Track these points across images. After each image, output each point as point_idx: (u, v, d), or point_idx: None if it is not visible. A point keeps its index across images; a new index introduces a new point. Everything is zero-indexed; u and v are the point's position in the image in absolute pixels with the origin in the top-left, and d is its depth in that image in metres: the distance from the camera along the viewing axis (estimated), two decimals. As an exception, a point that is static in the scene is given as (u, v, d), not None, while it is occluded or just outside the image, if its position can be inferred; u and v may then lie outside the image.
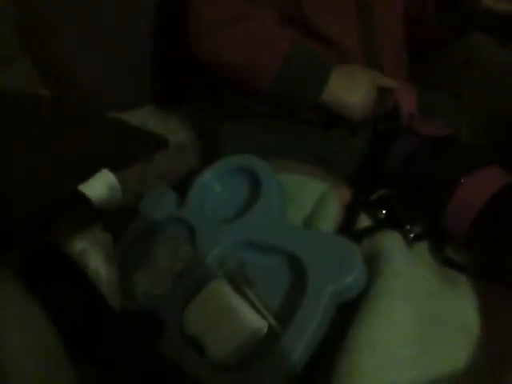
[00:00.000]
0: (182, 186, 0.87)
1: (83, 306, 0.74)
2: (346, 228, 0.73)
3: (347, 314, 0.65)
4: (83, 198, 0.82)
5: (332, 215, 0.74)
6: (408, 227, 0.74)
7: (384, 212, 0.75)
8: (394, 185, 0.77)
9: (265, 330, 0.66)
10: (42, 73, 1.07)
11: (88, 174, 0.85)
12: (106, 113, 0.97)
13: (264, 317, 0.67)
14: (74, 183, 0.83)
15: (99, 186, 0.84)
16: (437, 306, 0.64)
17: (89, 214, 0.84)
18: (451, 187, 0.70)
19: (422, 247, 0.74)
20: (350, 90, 0.82)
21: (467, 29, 0.88)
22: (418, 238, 0.73)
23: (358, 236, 0.71)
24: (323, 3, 0.83)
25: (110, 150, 0.85)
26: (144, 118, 1.11)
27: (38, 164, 0.86)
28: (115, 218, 0.86)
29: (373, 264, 0.67)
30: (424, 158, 0.76)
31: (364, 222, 0.74)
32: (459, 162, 0.73)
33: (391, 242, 0.69)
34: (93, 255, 0.82)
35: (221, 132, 0.96)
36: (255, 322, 0.67)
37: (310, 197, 0.76)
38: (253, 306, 0.69)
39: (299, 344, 0.61)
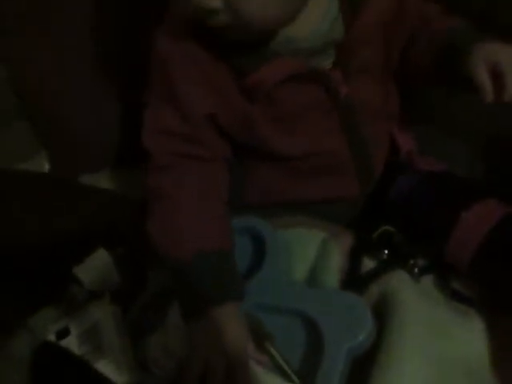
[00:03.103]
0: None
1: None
2: (352, 275, 0.74)
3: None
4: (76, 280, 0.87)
5: (335, 266, 0.74)
6: (412, 262, 0.75)
7: (386, 252, 0.76)
8: (395, 222, 0.78)
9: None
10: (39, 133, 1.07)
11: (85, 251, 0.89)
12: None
13: (290, 378, 0.69)
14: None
15: (94, 267, 0.88)
16: (449, 349, 0.66)
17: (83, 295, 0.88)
18: (451, 222, 0.73)
19: (428, 281, 0.75)
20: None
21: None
22: (423, 271, 0.75)
23: (363, 283, 0.73)
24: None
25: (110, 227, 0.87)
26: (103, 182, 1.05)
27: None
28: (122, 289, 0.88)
29: (383, 311, 0.69)
30: (423, 194, 0.78)
31: (368, 264, 0.76)
32: (458, 197, 0.75)
33: (398, 285, 0.70)
34: (105, 327, 0.84)
35: None
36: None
37: (311, 249, 0.77)
38: (276, 365, 0.70)
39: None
